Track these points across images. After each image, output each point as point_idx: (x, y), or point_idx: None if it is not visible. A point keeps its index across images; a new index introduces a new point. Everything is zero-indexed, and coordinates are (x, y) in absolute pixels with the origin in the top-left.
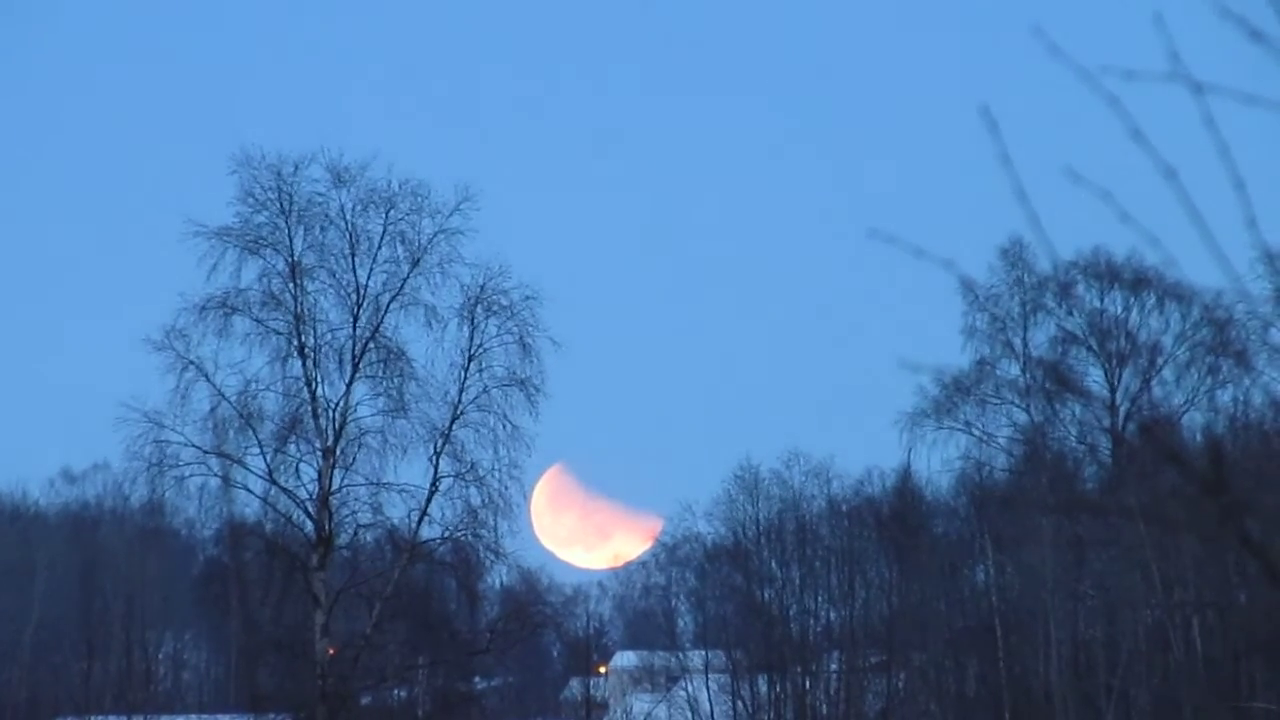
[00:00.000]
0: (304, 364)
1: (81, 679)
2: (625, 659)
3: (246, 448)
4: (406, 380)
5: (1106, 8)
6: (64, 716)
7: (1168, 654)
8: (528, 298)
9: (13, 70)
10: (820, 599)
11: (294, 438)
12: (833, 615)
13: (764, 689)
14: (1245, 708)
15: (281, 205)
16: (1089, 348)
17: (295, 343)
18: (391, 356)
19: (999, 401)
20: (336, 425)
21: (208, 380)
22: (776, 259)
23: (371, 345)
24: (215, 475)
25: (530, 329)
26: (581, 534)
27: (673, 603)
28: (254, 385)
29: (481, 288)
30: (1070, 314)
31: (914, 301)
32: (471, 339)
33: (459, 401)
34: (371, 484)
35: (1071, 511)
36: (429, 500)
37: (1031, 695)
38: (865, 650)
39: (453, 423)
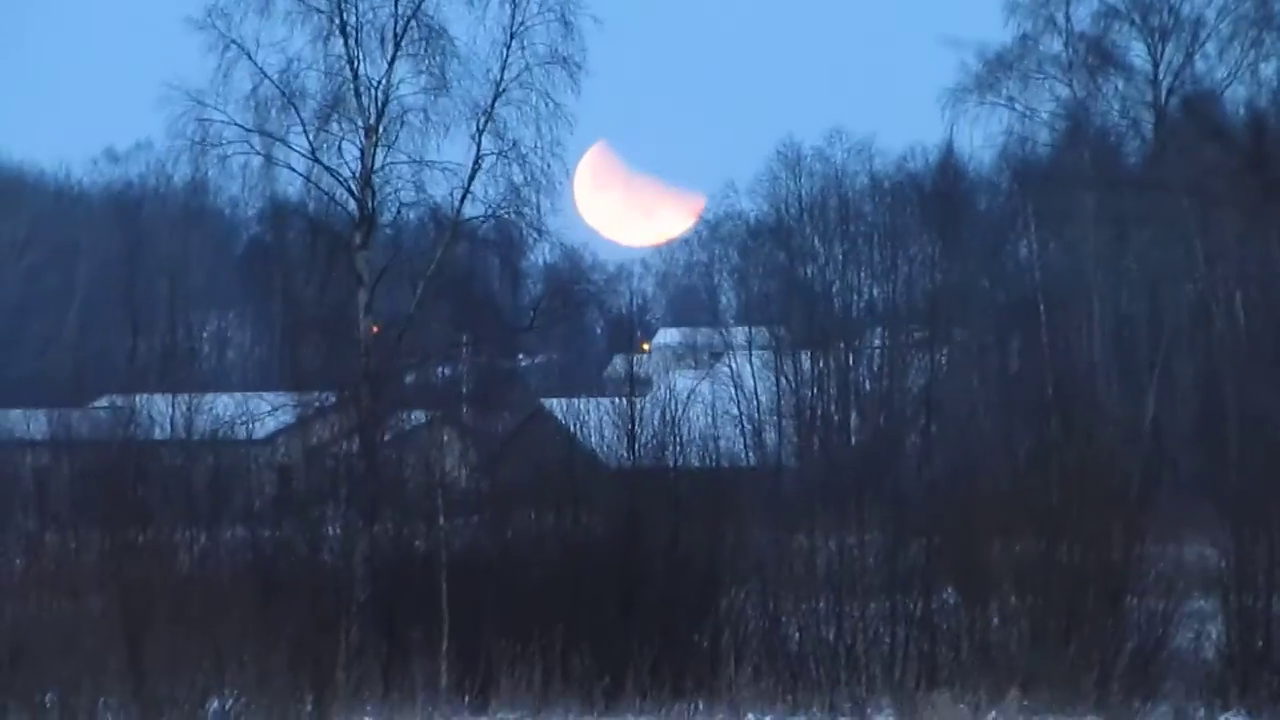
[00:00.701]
0: (345, 42)
1: (126, 358)
2: (668, 336)
3: (289, 126)
4: (448, 58)
5: None
6: (109, 395)
7: (1210, 328)
8: None
9: None
10: (863, 275)
11: (336, 116)
12: (875, 292)
13: (807, 365)
14: None
15: None
16: (1132, 22)
17: (337, 21)
18: (433, 34)
19: (1041, 76)
20: (379, 103)
21: (249, 59)
22: None
23: (413, 23)
24: (258, 154)
25: (572, 5)
26: (625, 211)
27: (715, 280)
28: (296, 64)
29: None
30: None
31: None
32: (513, 16)
33: (501, 79)
34: (414, 162)
35: (1114, 187)
36: (471, 178)
37: (1074, 371)
38: (908, 326)
39: (495, 100)
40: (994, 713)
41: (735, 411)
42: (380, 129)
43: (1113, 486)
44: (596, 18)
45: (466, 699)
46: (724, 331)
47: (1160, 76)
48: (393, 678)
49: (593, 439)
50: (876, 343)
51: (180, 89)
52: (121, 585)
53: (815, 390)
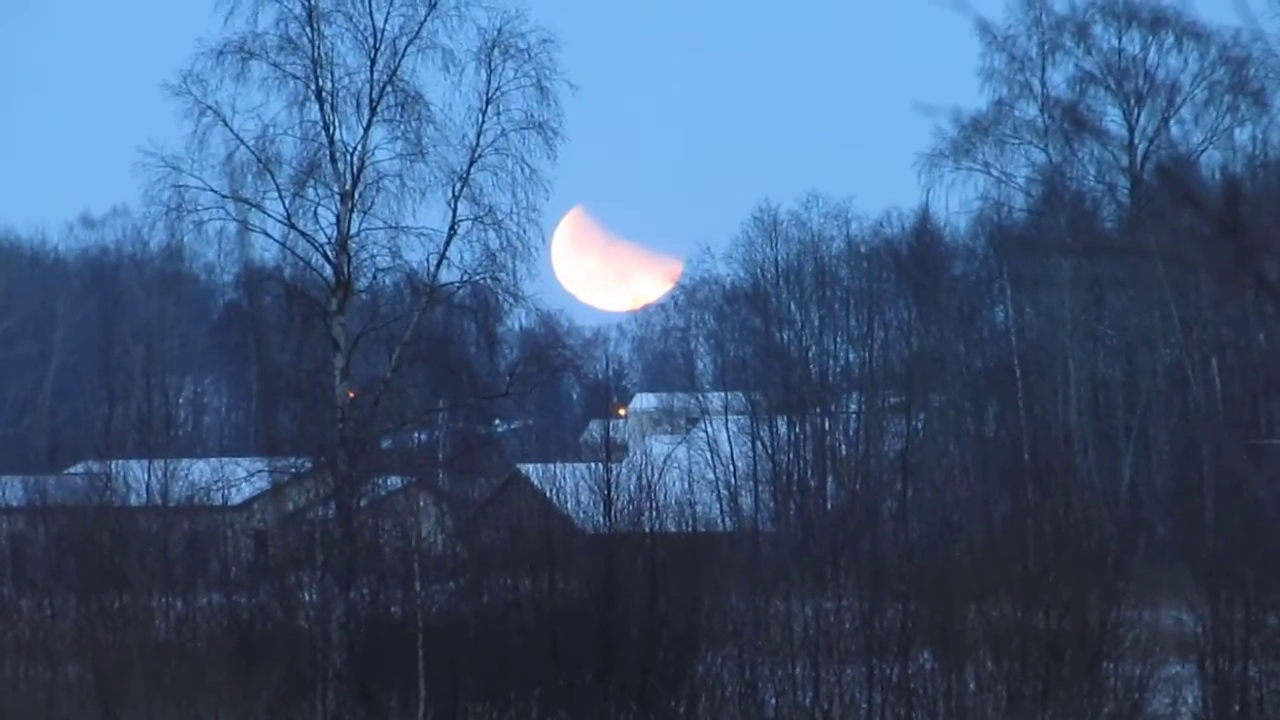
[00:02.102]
0: (321, 108)
1: (102, 424)
2: (645, 401)
3: (265, 192)
4: (424, 124)
5: None
6: (85, 461)
7: (1186, 393)
8: (545, 40)
9: None
10: (839, 340)
11: (312, 182)
12: (851, 357)
13: (783, 430)
14: (1264, 445)
15: None
16: (1107, 87)
17: (313, 87)
18: (409, 100)
19: (1017, 142)
20: (354, 169)
21: (225, 125)
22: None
23: (389, 89)
24: (234, 220)
25: (547, 72)
26: (602, 276)
27: (692, 345)
28: (271, 130)
29: (499, 30)
30: (1088, 54)
31: (931, 43)
32: (489, 82)
33: (476, 145)
34: (390, 228)
35: (1090, 252)
36: (447, 244)
37: (1050, 435)
38: (884, 391)
39: (470, 166)
40: None
41: (711, 476)
42: (356, 194)
43: (1089, 552)
44: (572, 83)
45: None
46: (700, 397)
47: (1135, 142)
48: None
49: (569, 504)
50: (853, 408)
51: (156, 155)
52: (98, 651)
53: (792, 455)
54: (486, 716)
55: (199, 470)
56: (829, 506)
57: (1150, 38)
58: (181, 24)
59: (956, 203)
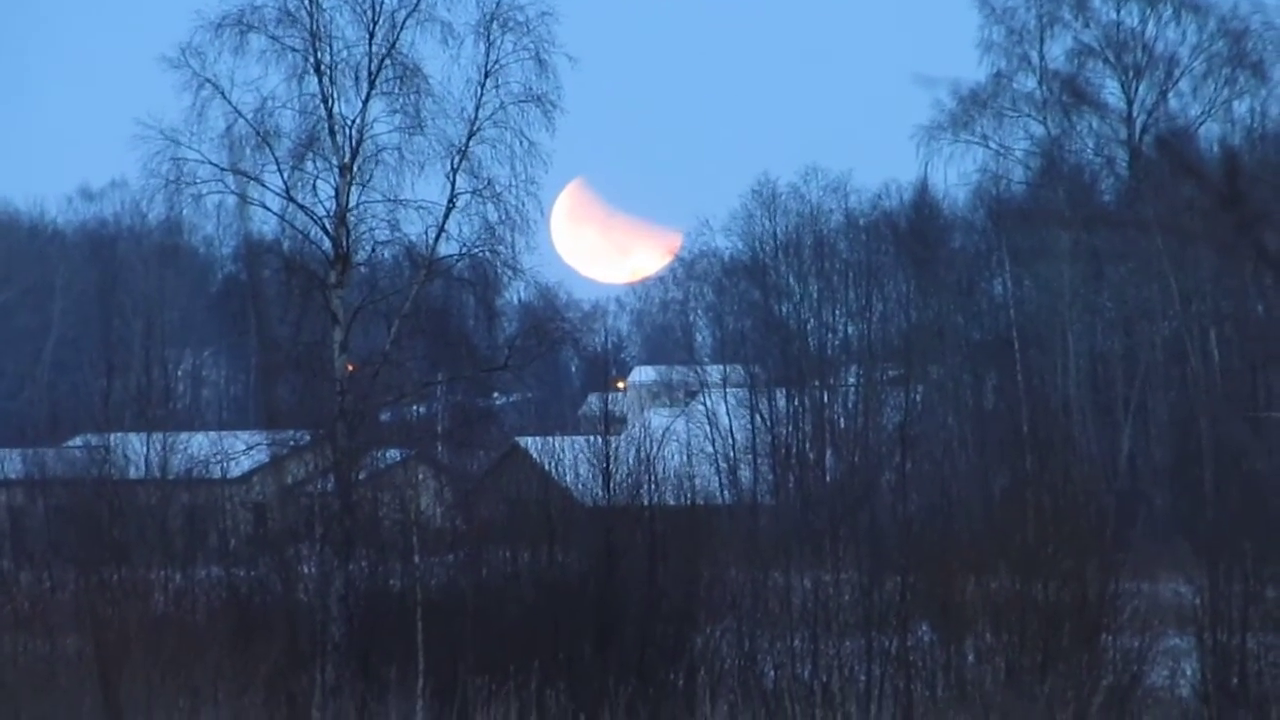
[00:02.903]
0: (320, 81)
1: (101, 397)
2: (644, 374)
3: (263, 165)
4: (423, 97)
5: None
6: (84, 434)
7: (1185, 366)
8: (544, 13)
9: None
10: (838, 313)
11: (311, 155)
12: (850, 329)
13: (782, 403)
14: (1263, 417)
15: None
16: (1106, 60)
17: (311, 60)
18: (408, 73)
19: (1016, 114)
20: (353, 142)
21: (224, 98)
22: None
23: (388, 62)
24: (232, 193)
25: (546, 45)
26: (601, 249)
27: (691, 318)
28: (270, 103)
29: (497, 3)
30: (1087, 26)
31: (930, 15)
32: (488, 55)
33: (475, 118)
34: (389, 200)
35: (1089, 224)
36: (446, 216)
37: (1050, 408)
38: (883, 364)
39: (469, 139)
40: None
41: (711, 449)
42: (355, 168)
43: (1088, 524)
44: (571, 56)
45: None
46: (699, 369)
47: (1134, 114)
48: (368, 716)
49: (568, 477)
50: (852, 380)
51: (155, 127)
52: (97, 624)
53: (791, 428)
54: (485, 689)
55: (198, 443)
56: (828, 479)
57: (1149, 10)
58: None
59: (955, 175)
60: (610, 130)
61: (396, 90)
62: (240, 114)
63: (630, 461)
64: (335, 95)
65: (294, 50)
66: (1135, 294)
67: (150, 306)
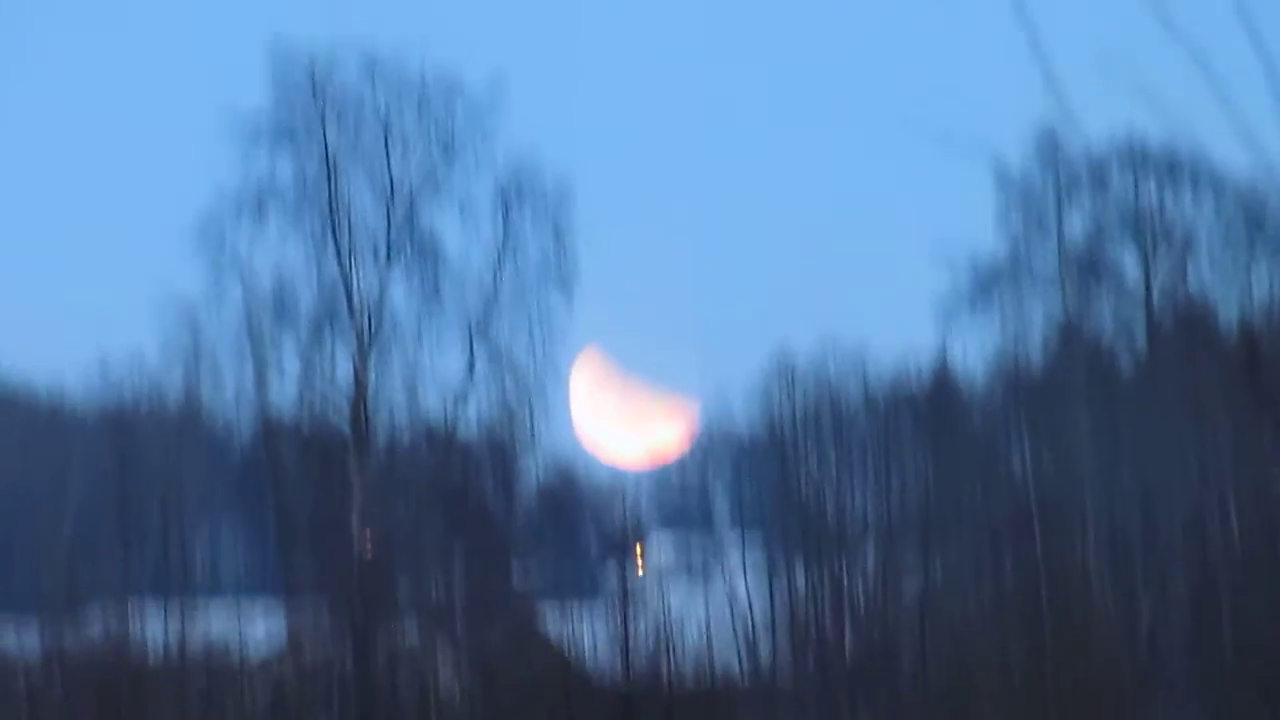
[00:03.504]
0: (338, 257)
1: (119, 570)
2: (662, 549)
3: (281, 341)
4: (441, 272)
5: None
6: (102, 606)
7: (1205, 539)
8: (561, 186)
9: None
10: (856, 486)
11: (329, 330)
12: (869, 503)
13: (801, 578)
14: None
15: (314, 97)
16: (1124, 235)
17: (330, 234)
18: (425, 248)
19: (1034, 288)
20: (371, 318)
21: (242, 274)
22: (810, 145)
23: (405, 237)
24: (251, 368)
25: (564, 217)
26: (619, 420)
27: (709, 491)
28: (288, 278)
29: (515, 178)
30: (1105, 200)
31: (948, 189)
32: (505, 228)
33: (493, 292)
34: (407, 376)
35: (1107, 399)
36: (464, 391)
37: (1069, 583)
38: (902, 540)
39: (487, 313)
40: None
41: (729, 625)
42: (373, 343)
43: (1108, 698)
44: (589, 229)
45: None
46: (718, 545)
47: (1153, 288)
48: None
49: (586, 652)
50: (870, 554)
51: (173, 302)
52: None
53: (809, 602)
54: None
55: (216, 617)
56: (847, 653)
57: (1167, 184)
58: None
59: (973, 349)
60: (628, 301)
61: (415, 265)
62: (258, 290)
63: (648, 636)
64: (353, 269)
65: (312, 225)
66: (1154, 468)
67: (168, 484)
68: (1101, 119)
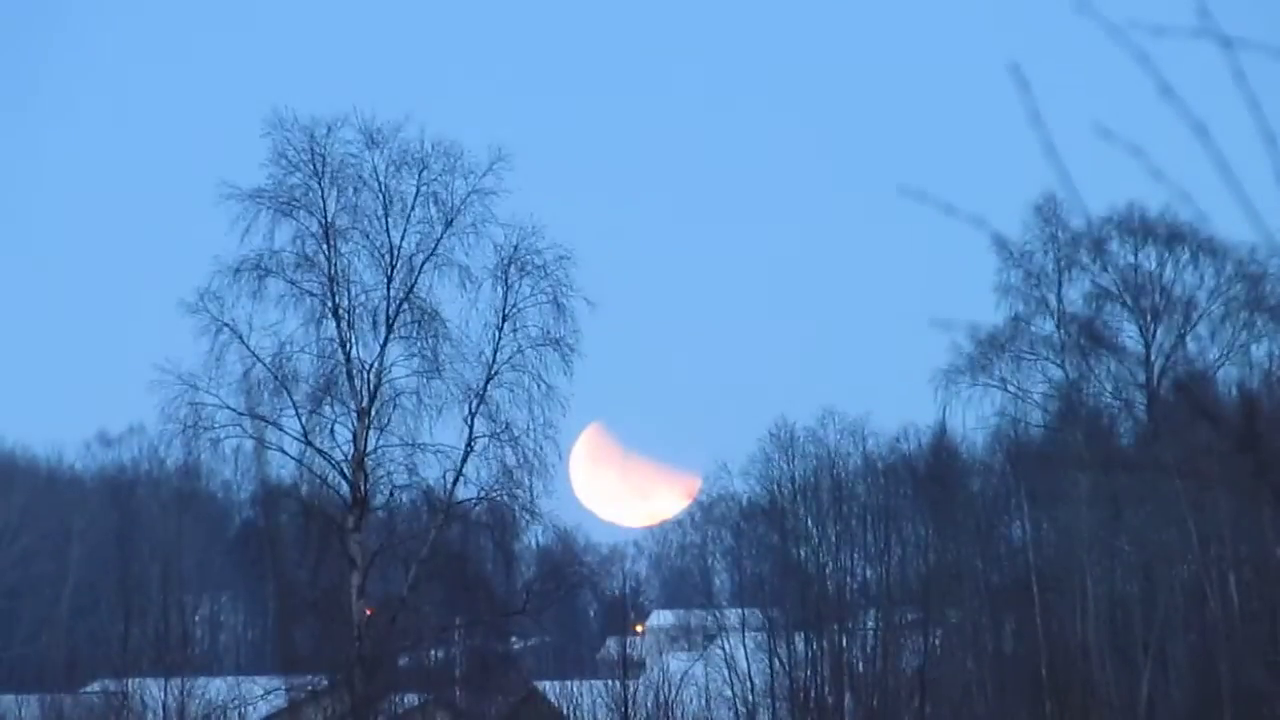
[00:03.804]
0: (338, 325)
1: (119, 642)
2: (662, 618)
3: (281, 410)
4: (441, 341)
5: None
6: (102, 679)
7: (1205, 609)
8: (561, 257)
9: (45, 28)
10: (856, 557)
11: (329, 399)
12: (869, 573)
13: (801, 647)
14: None
15: (315, 167)
16: (1123, 303)
17: (329, 304)
18: (425, 317)
19: (1034, 358)
20: (371, 386)
21: (242, 342)
22: (809, 215)
23: (405, 306)
24: (250, 437)
25: (564, 288)
26: (620, 492)
27: (709, 561)
28: (288, 347)
29: (515, 247)
30: (1104, 270)
31: (947, 258)
32: (505, 299)
33: (493, 362)
34: (406, 445)
35: (1107, 467)
36: (464, 461)
37: (1068, 652)
38: (902, 608)
39: (487, 383)
40: None
41: (729, 693)
42: (373, 411)
43: None
44: (589, 300)
45: None
46: (718, 613)
47: (1152, 357)
48: None
49: (586, 718)
50: (870, 624)
51: (173, 372)
52: None
53: (809, 672)
54: None
55: (215, 688)
56: None
57: (1166, 254)
58: (198, 241)
59: (973, 419)
60: (628, 373)
61: (414, 334)
62: (258, 358)
63: (649, 707)
64: (353, 339)
65: (312, 294)
66: (1154, 537)
67: (168, 551)
68: (1101, 188)
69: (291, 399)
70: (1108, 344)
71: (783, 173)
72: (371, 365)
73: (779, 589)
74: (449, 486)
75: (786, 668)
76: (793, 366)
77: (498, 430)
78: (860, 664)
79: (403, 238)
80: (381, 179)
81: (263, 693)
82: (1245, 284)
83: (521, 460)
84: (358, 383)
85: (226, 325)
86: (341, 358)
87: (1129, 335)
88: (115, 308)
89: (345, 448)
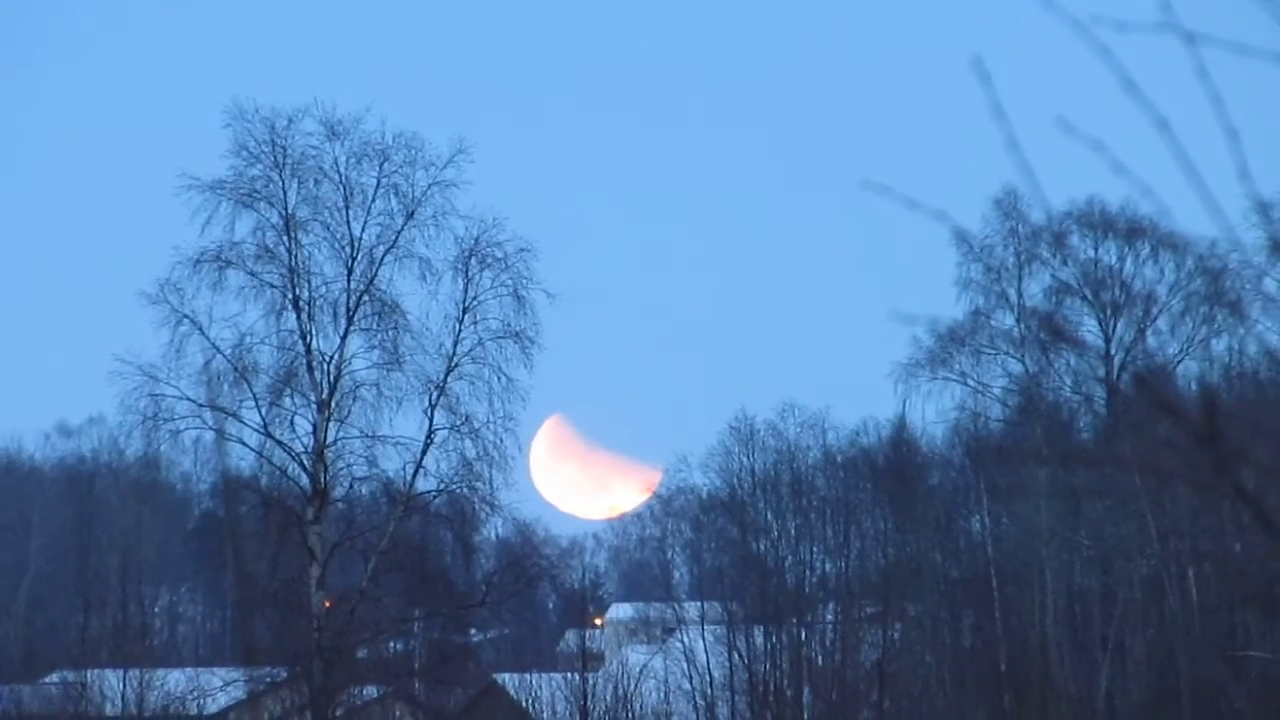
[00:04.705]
0: (298, 317)
1: (78, 633)
2: (621, 611)
3: (241, 401)
4: (401, 333)
5: None
6: (61, 670)
7: (1164, 604)
8: (522, 250)
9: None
10: (816, 550)
11: (289, 391)
12: (828, 566)
13: (760, 640)
14: (1241, 656)
15: (275, 158)
16: (1083, 298)
17: (290, 296)
18: (386, 309)
19: (993, 352)
20: (331, 378)
21: (202, 334)
22: (769, 209)
23: (366, 298)
24: (210, 429)
25: (524, 281)
26: (580, 485)
27: (668, 554)
28: (248, 339)
29: (475, 240)
30: (1065, 264)
31: (907, 253)
32: (466, 291)
33: (453, 354)
34: (366, 437)
35: (1067, 462)
36: (424, 453)
37: (1027, 646)
38: (861, 601)
39: (447, 375)
40: None
41: (688, 686)
42: (333, 403)
43: None
44: (549, 292)
45: None
46: (677, 606)
47: (1112, 352)
48: None
49: (545, 714)
50: (829, 617)
51: (132, 363)
52: None
53: (768, 665)
54: None
55: (174, 679)
56: (805, 714)
57: (1127, 248)
58: (158, 232)
59: (933, 412)
60: (589, 366)
61: (375, 326)
62: (218, 349)
63: (608, 699)
64: (314, 331)
65: (272, 286)
66: (1113, 531)
67: (127, 542)
68: (1062, 183)
69: (252, 390)
70: (1068, 338)
71: (744, 165)
72: (332, 357)
73: (738, 582)
74: (409, 478)
75: (745, 661)
76: (753, 360)
77: (458, 422)
78: (819, 657)
79: (363, 230)
80: (342, 171)
81: (222, 684)
82: (1205, 279)
83: (481, 453)
84: (318, 375)
85: (187, 316)
86: (302, 349)
87: (1089, 329)
88: (75, 298)
89: (305, 439)
